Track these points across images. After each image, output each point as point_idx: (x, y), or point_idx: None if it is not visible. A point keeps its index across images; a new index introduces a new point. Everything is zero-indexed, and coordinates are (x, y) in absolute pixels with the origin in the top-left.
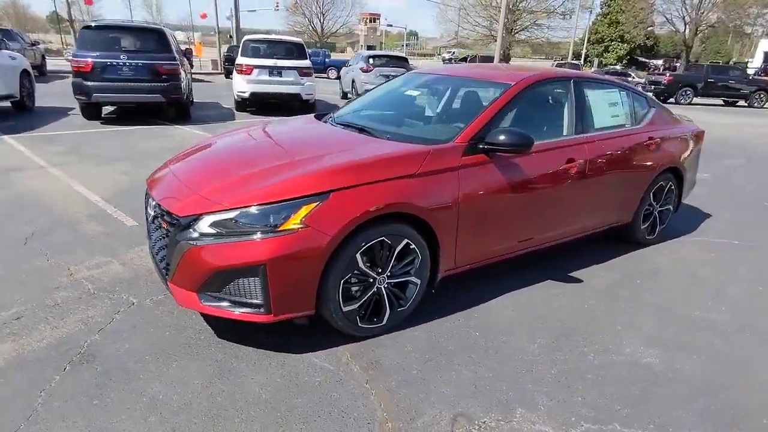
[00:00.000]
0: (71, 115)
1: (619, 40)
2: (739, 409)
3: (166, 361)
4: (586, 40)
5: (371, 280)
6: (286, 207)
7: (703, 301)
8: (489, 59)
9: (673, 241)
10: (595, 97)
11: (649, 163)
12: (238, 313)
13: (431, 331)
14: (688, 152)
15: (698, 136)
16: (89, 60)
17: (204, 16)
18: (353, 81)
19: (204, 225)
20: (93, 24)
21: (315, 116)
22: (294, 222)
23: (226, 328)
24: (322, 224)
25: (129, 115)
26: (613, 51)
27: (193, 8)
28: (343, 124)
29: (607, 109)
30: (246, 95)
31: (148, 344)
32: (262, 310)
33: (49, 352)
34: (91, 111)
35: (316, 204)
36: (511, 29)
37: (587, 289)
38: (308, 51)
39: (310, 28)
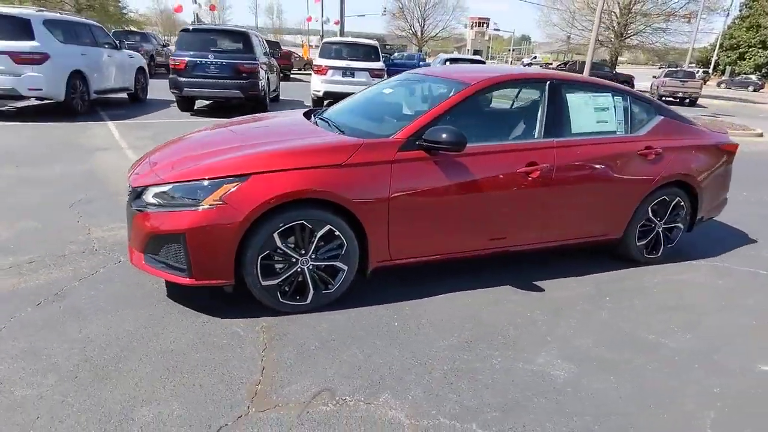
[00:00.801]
0: (171, 107)
1: (759, 46)
2: None
3: (114, 309)
4: (717, 46)
5: (294, 260)
6: (210, 185)
7: (667, 326)
8: (594, 65)
9: (685, 263)
10: (577, 101)
11: (645, 175)
12: (169, 274)
13: (353, 316)
14: (708, 166)
15: (726, 149)
16: (183, 59)
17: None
18: None
19: (149, 195)
20: (191, 28)
21: (304, 113)
22: (214, 198)
23: (177, 290)
24: (239, 203)
25: (219, 109)
26: (750, 59)
27: (309, 13)
28: (321, 119)
29: (593, 114)
30: (320, 94)
31: (110, 294)
32: (185, 273)
33: (35, 290)
34: (185, 104)
35: (235, 184)
36: (621, 33)
37: (544, 299)
38: (404, 54)
39: (411, 32)
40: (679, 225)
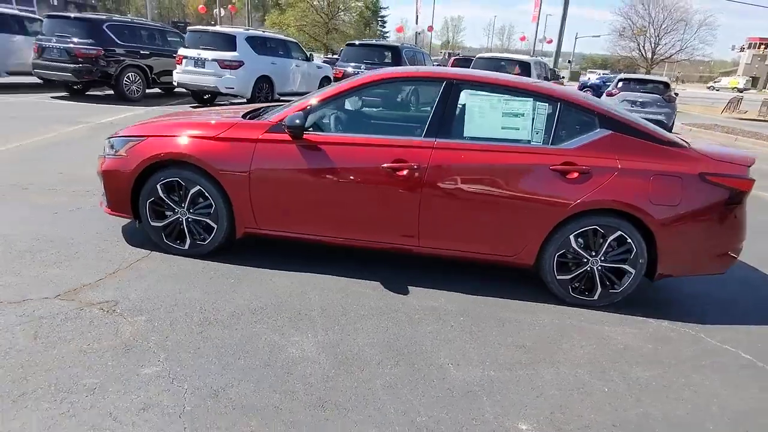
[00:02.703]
0: None
1: None
2: None
3: (69, 229)
4: None
5: (173, 211)
6: (124, 141)
7: (479, 360)
8: None
9: (638, 318)
10: (481, 103)
11: (560, 196)
12: (103, 204)
13: (199, 264)
14: (678, 200)
15: (725, 184)
16: (342, 69)
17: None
18: None
19: (107, 145)
20: (356, 42)
21: None
22: (122, 151)
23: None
24: (134, 156)
25: None
26: None
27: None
28: None
29: (500, 119)
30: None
31: (78, 221)
32: (106, 204)
33: (52, 207)
34: None
35: (136, 142)
36: None
37: (386, 301)
38: (597, 76)
39: (639, 53)
40: (627, 268)
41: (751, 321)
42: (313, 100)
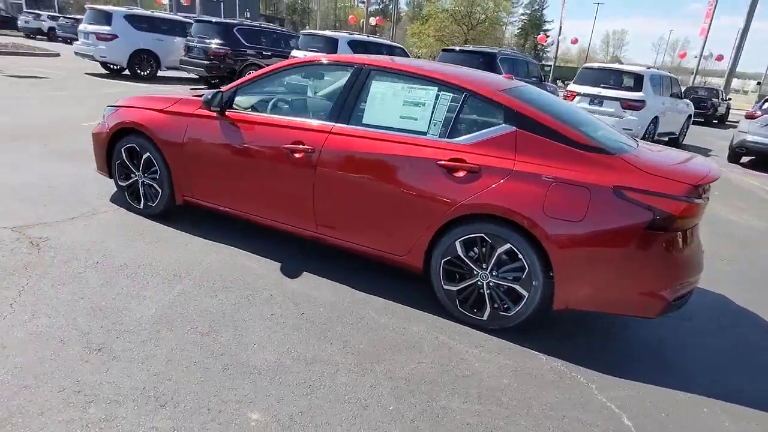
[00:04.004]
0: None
1: None
2: None
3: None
4: None
5: (132, 175)
6: (109, 109)
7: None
8: None
9: (528, 351)
10: (390, 91)
11: (445, 194)
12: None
13: (141, 221)
14: (581, 217)
15: (652, 204)
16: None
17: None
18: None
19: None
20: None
21: None
22: (105, 118)
23: None
24: (108, 123)
25: None
26: None
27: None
28: None
29: (400, 107)
30: None
31: (85, 179)
32: (95, 165)
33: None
34: None
35: (113, 111)
36: None
37: (268, 278)
38: None
39: None
40: (520, 290)
41: (684, 385)
42: (240, 81)
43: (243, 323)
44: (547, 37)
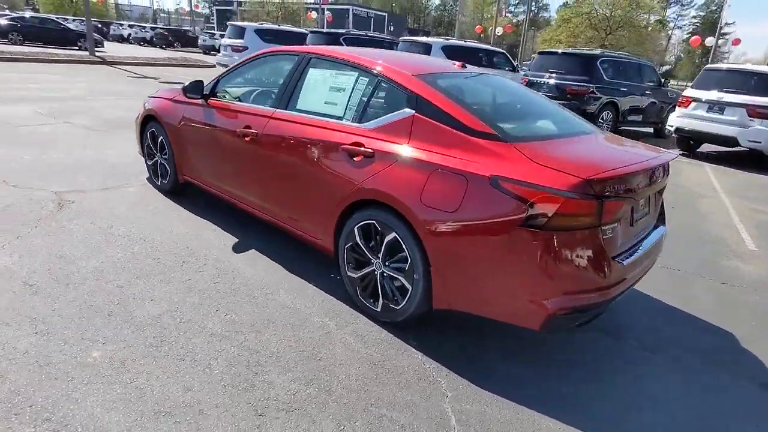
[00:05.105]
0: None
1: None
2: None
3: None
4: None
5: (155, 154)
6: (147, 100)
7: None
8: None
9: (401, 344)
10: (320, 77)
11: (345, 178)
12: None
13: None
14: (469, 213)
15: (529, 197)
16: (528, 77)
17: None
18: None
19: None
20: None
21: None
22: (143, 107)
23: None
24: (141, 111)
25: None
26: None
27: None
28: None
29: (326, 93)
30: (672, 129)
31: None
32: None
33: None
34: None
35: (146, 101)
36: None
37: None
38: None
39: None
40: (405, 282)
41: (552, 417)
42: (221, 73)
43: (158, 283)
44: (728, 38)
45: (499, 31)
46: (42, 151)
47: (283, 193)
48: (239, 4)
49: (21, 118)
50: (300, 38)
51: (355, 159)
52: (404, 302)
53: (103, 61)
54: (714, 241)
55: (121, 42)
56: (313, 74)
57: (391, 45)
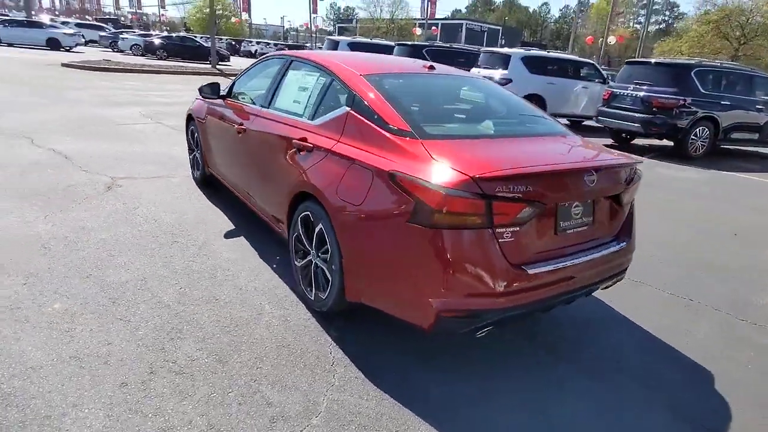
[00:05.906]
0: None
1: None
2: None
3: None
4: None
5: (193, 149)
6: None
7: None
8: None
9: (326, 339)
10: (295, 78)
11: (291, 171)
12: None
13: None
14: (370, 207)
15: (414, 191)
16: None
17: None
18: None
19: None
20: (651, 61)
21: None
22: None
23: None
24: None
25: None
26: None
27: None
28: None
29: (295, 92)
30: None
31: None
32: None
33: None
34: None
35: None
36: None
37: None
38: None
39: None
40: (327, 273)
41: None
42: (237, 75)
43: (142, 257)
44: None
45: (612, 40)
46: (127, 145)
47: (258, 183)
48: (357, 21)
49: (124, 118)
50: (388, 50)
51: (301, 153)
52: (327, 292)
53: (221, 73)
54: None
55: (249, 57)
56: (290, 76)
57: (476, 56)
